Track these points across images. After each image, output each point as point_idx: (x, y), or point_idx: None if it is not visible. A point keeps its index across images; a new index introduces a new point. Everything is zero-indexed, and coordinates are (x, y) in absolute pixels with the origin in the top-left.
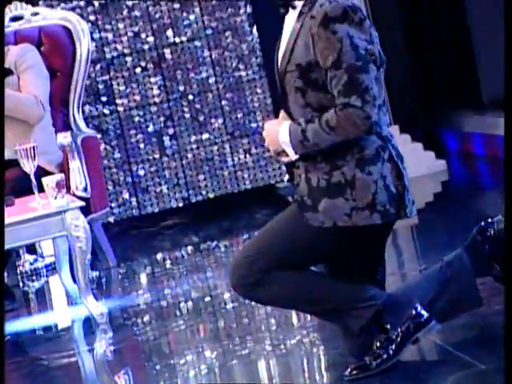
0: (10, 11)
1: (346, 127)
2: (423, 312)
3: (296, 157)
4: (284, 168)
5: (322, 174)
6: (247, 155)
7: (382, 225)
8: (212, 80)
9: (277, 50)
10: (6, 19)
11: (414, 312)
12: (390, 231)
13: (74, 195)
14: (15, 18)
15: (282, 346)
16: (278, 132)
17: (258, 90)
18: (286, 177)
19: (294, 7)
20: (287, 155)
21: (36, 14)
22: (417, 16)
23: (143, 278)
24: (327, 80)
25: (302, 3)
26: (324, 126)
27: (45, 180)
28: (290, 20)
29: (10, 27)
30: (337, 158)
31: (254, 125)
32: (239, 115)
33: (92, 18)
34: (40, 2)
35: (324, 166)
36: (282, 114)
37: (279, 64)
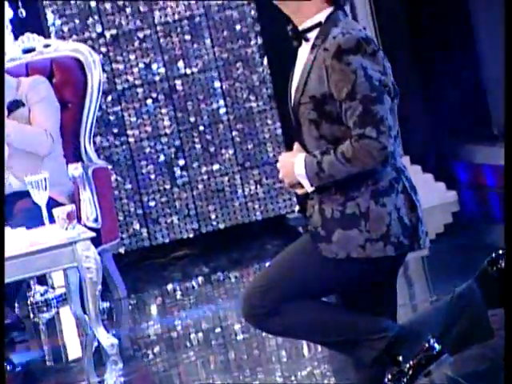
0: (23, 43)
1: (362, 158)
2: (436, 345)
3: (312, 189)
4: (295, 199)
5: (336, 205)
6: (258, 186)
7: (395, 256)
8: (223, 111)
9: (290, 82)
10: (19, 51)
11: (426, 345)
12: (403, 262)
13: (85, 226)
14: (27, 50)
15: (293, 378)
16: (293, 164)
17: (269, 121)
18: (297, 207)
19: (307, 40)
20: (302, 187)
21: (48, 45)
22: (429, 48)
23: (153, 309)
24: (342, 112)
25: (314, 35)
26: (340, 157)
27: (56, 211)
28: (303, 52)
29: (22, 59)
30: (351, 190)
31: (264, 156)
32: (250, 146)
33: (103, 49)
34: (52, 34)
35: (338, 198)
36: (297, 146)
37: (293, 96)
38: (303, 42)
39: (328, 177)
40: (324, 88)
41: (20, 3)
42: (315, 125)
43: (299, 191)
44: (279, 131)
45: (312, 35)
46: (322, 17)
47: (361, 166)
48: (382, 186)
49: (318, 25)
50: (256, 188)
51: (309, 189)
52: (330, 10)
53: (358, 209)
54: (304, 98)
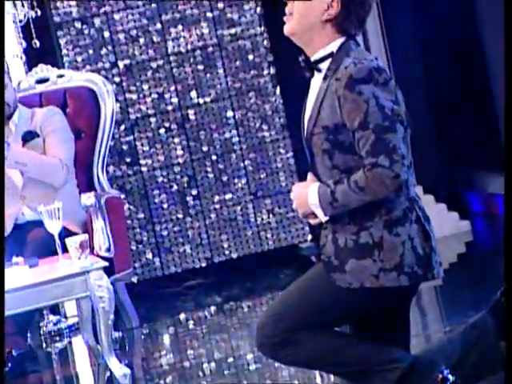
0: (36, 73)
1: (375, 187)
2: (449, 376)
3: (325, 218)
4: (307, 228)
5: (350, 234)
6: (270, 215)
7: (409, 286)
8: (235, 140)
9: (303, 112)
10: (33, 81)
11: (439, 376)
12: (416, 292)
13: (98, 255)
14: (41, 81)
15: None
16: (307, 194)
17: (282, 151)
18: (310, 237)
19: (319, 70)
20: (316, 217)
21: (61, 76)
22: (441, 78)
23: (166, 339)
24: (355, 141)
25: (327, 66)
26: (353, 186)
27: (69, 240)
28: (316, 83)
29: (36, 89)
30: (365, 219)
31: (277, 185)
32: (262, 175)
33: (117, 79)
34: (65, 64)
35: (352, 227)
36: (310, 176)
37: (306, 127)
38: (315, 72)
39: (341, 206)
40: (336, 118)
41: (34, 34)
42: (328, 155)
43: (313, 221)
44: (292, 161)
45: (324, 65)
46: (333, 47)
47: (374, 194)
48: (395, 215)
49: (330, 55)
50: (268, 217)
51: (323, 218)
52: (341, 40)
53: (372, 238)
54: (317, 128)
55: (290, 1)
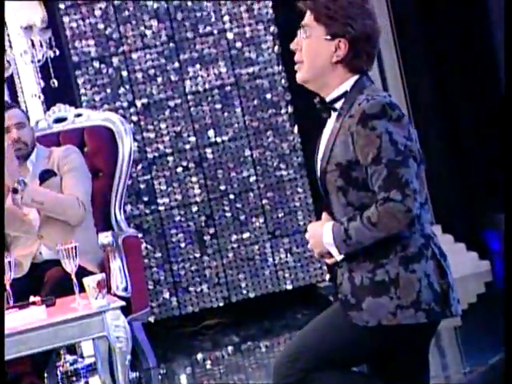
0: (54, 113)
1: (387, 222)
2: None
3: (340, 257)
4: (325, 267)
5: (366, 272)
6: (288, 255)
7: (427, 324)
8: (253, 179)
9: (317, 150)
10: (50, 121)
11: None
12: (435, 331)
13: (115, 295)
14: (59, 120)
15: None
16: (322, 233)
17: (299, 190)
18: (328, 276)
19: (335, 110)
20: (331, 256)
21: (79, 115)
22: (456, 115)
23: (183, 379)
24: (368, 177)
25: (341, 104)
26: (366, 222)
27: (86, 280)
28: (330, 121)
29: (54, 128)
30: (380, 257)
31: (295, 224)
32: (280, 214)
33: (134, 118)
34: (83, 103)
35: (367, 265)
36: (325, 215)
37: (319, 165)
38: (332, 112)
39: (356, 244)
40: (350, 154)
41: (52, 73)
42: (342, 192)
43: (329, 260)
44: (310, 200)
45: (339, 105)
46: (347, 86)
47: (386, 230)
48: (410, 252)
49: (344, 94)
50: (286, 256)
51: (338, 257)
52: (355, 78)
53: (388, 275)
54: (330, 165)
55: (299, 51)
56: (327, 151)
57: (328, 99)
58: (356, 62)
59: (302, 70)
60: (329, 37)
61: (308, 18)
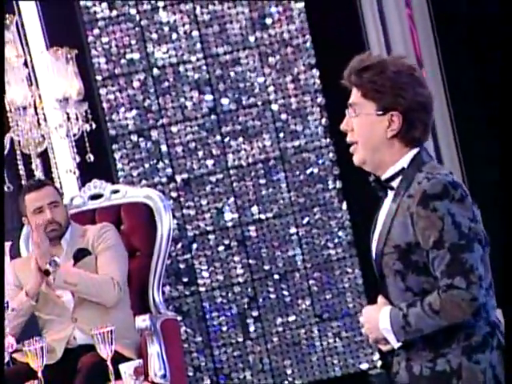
0: (89, 189)
1: (450, 311)
2: None
3: (398, 345)
4: (377, 353)
5: (425, 361)
6: (337, 339)
7: None
8: (299, 258)
9: (372, 231)
10: (86, 197)
11: None
12: None
13: (153, 382)
14: (94, 197)
15: None
16: (378, 319)
17: (349, 270)
18: (380, 363)
19: (392, 188)
20: (387, 343)
21: (116, 191)
22: None
23: None
24: (429, 261)
25: (398, 182)
26: (427, 309)
27: (122, 366)
28: (387, 201)
29: (89, 205)
30: (441, 345)
31: (344, 307)
32: (328, 296)
33: (174, 194)
34: (120, 179)
35: (427, 353)
36: (381, 298)
37: (374, 247)
38: (389, 191)
39: (415, 331)
40: (409, 237)
41: (88, 148)
42: (401, 276)
43: (384, 347)
44: (360, 280)
45: (396, 183)
46: (404, 162)
47: (450, 319)
48: (474, 341)
49: (401, 170)
50: (335, 341)
51: (395, 344)
52: (412, 152)
53: (449, 366)
54: (387, 247)
55: (350, 131)
56: (384, 232)
57: (384, 177)
58: (412, 133)
59: (358, 151)
60: (380, 112)
61: (355, 95)
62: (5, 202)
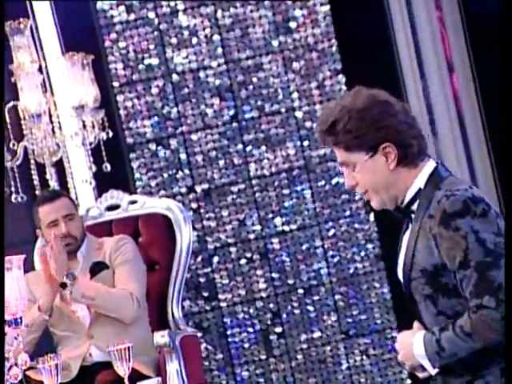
0: (106, 200)
1: (482, 332)
2: None
3: (435, 371)
4: (406, 372)
5: None
6: (364, 357)
7: None
8: (324, 272)
9: (398, 253)
10: (102, 208)
11: None
12: None
13: None
14: (111, 207)
15: None
16: (412, 344)
17: (376, 284)
18: (409, 381)
19: (412, 212)
20: (424, 370)
21: (134, 202)
22: None
23: None
24: (458, 282)
25: (417, 204)
26: (459, 332)
27: None
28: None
29: (106, 217)
30: (479, 368)
31: (371, 323)
32: (355, 312)
33: (194, 205)
34: (138, 189)
35: (465, 377)
36: (416, 323)
37: (402, 270)
38: (412, 215)
39: (450, 356)
40: (435, 259)
41: (105, 157)
42: (431, 300)
43: (421, 374)
44: (388, 295)
45: (415, 205)
46: (420, 182)
47: (482, 340)
48: None
49: (418, 191)
50: (362, 359)
51: (431, 371)
52: (426, 170)
53: None
54: (414, 272)
55: (356, 186)
56: (408, 257)
57: (404, 204)
58: (411, 152)
59: (372, 198)
60: (371, 153)
61: (340, 153)
62: (18, 213)
